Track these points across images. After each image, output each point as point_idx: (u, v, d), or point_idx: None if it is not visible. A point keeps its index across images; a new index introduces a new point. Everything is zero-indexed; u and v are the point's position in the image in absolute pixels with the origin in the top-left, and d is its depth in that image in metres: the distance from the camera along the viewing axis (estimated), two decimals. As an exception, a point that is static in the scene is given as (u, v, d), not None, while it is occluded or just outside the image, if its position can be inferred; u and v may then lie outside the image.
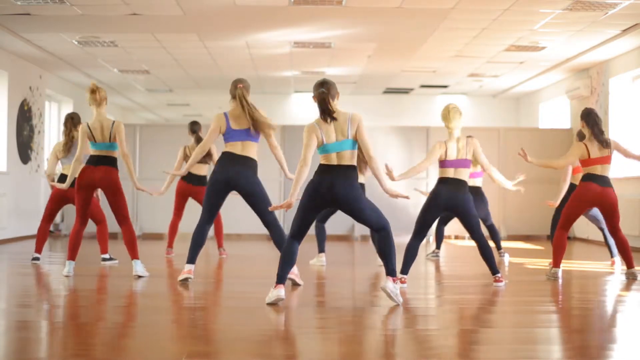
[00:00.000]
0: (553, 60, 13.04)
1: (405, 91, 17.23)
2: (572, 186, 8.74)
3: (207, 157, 9.47)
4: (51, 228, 13.80)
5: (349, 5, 9.53)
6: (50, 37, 11.34)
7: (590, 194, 7.52)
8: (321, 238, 9.06)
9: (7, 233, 12.08)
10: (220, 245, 9.85)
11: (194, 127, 9.67)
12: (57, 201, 8.62)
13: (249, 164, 6.86)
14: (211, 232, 12.89)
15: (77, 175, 7.50)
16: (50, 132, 14.84)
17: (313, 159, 5.85)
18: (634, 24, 10.25)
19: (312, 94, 5.94)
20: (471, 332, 5.08)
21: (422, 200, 13.66)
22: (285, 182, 13.52)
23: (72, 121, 8.65)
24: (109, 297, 6.63)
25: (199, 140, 9.52)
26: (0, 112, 12.23)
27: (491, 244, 10.23)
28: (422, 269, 8.74)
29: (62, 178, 8.54)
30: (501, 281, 7.10)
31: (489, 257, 7.10)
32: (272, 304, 5.85)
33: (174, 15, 10.03)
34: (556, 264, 7.65)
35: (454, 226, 13.71)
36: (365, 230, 12.84)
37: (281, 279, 5.87)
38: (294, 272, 6.91)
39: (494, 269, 7.12)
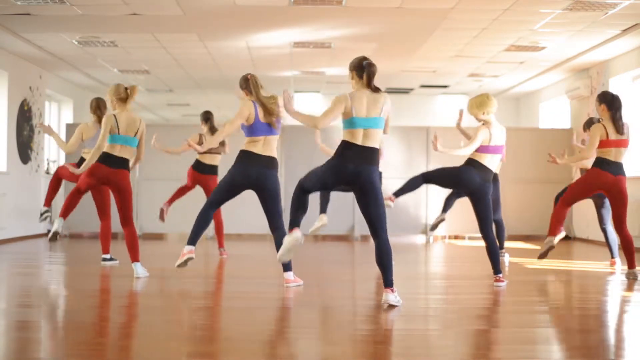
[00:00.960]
0: (553, 60, 13.04)
1: (405, 91, 17.23)
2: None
3: (220, 147, 9.47)
4: (51, 228, 13.80)
5: (349, 5, 9.53)
6: (50, 37, 11.34)
7: (601, 181, 7.53)
8: (325, 200, 9.02)
9: (7, 233, 12.08)
10: (220, 245, 9.85)
11: (207, 115, 9.67)
12: (93, 193, 8.37)
13: (273, 163, 6.78)
14: (212, 231, 12.99)
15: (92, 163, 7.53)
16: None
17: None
18: (634, 24, 10.25)
19: (349, 68, 5.82)
20: (471, 332, 5.08)
21: (423, 199, 13.68)
22: (286, 174, 13.50)
23: (97, 102, 8.61)
24: (109, 297, 6.63)
25: (212, 129, 9.56)
26: (0, 112, 12.23)
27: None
28: (422, 269, 8.75)
29: (83, 162, 8.54)
30: (502, 281, 7.10)
31: (495, 255, 7.10)
32: (288, 250, 5.85)
33: (174, 15, 10.03)
34: (552, 232, 7.64)
35: (454, 226, 13.72)
36: (365, 230, 12.82)
37: (296, 222, 5.85)
38: (291, 279, 6.89)
39: (496, 268, 7.13)
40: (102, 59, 13.00)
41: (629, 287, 7.19)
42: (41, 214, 8.90)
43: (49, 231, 13.68)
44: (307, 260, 9.12)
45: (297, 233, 5.83)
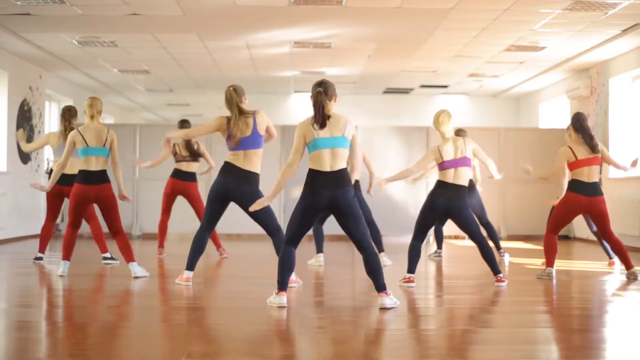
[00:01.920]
0: (553, 60, 13.04)
1: (405, 91, 17.23)
2: None
3: (197, 156, 9.56)
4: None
5: (349, 5, 9.53)
6: (50, 37, 11.34)
7: (577, 205, 7.61)
8: (319, 238, 9.06)
9: (7, 233, 12.08)
10: (218, 246, 9.84)
11: (184, 125, 9.69)
12: (53, 197, 8.58)
13: (251, 178, 6.74)
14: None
15: (56, 180, 7.64)
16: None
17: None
18: (634, 24, 10.25)
19: (310, 94, 5.88)
20: (471, 332, 5.08)
21: (423, 199, 13.67)
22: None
23: (69, 112, 8.63)
24: (108, 297, 6.63)
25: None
26: (0, 112, 12.23)
27: (490, 243, 10.22)
28: (422, 269, 8.74)
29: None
30: (503, 281, 7.12)
31: (489, 258, 7.14)
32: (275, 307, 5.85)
33: (174, 15, 10.03)
34: (549, 263, 7.69)
35: (454, 226, 13.70)
36: (365, 230, 12.78)
37: (283, 285, 5.85)
38: (292, 278, 6.89)
39: (495, 269, 7.15)
40: (102, 59, 12.99)
41: (628, 287, 7.19)
42: (35, 258, 8.86)
43: None
44: (306, 261, 9.11)
45: (283, 298, 5.80)
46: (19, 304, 6.21)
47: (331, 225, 10.46)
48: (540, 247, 11.95)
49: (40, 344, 4.67)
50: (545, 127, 15.64)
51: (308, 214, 5.78)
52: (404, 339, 4.88)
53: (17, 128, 12.55)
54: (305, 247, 11.33)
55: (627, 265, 7.67)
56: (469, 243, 12.97)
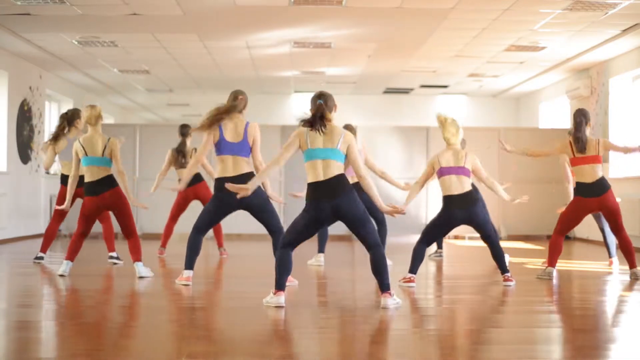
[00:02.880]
0: (553, 60, 13.04)
1: (405, 91, 17.22)
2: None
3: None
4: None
5: (349, 5, 9.53)
6: (50, 37, 11.34)
7: (587, 208, 7.58)
8: (323, 239, 9.07)
9: (7, 233, 12.08)
10: (220, 245, 9.84)
11: (184, 130, 9.65)
12: (62, 200, 8.52)
13: (247, 180, 6.67)
14: (210, 232, 12.97)
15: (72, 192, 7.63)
16: (50, 132, 14.82)
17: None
18: (634, 24, 10.25)
19: (309, 107, 5.86)
20: (471, 332, 5.08)
21: (422, 200, 13.68)
22: (285, 181, 13.51)
23: (66, 116, 8.72)
24: (110, 297, 6.63)
25: (183, 144, 9.56)
26: (0, 112, 12.23)
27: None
28: (422, 269, 8.73)
29: (64, 178, 8.54)
30: (511, 280, 7.15)
31: (499, 257, 7.17)
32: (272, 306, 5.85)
33: (174, 15, 10.03)
34: (551, 263, 7.68)
35: (454, 226, 13.72)
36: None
37: (280, 285, 5.84)
38: (289, 279, 6.89)
39: (503, 268, 7.19)
40: (102, 59, 12.99)
41: (629, 287, 7.19)
42: (36, 258, 8.85)
43: None
44: (307, 260, 9.11)
45: (281, 298, 5.79)
46: (19, 304, 6.21)
47: (331, 225, 10.45)
48: (540, 247, 11.96)
49: (40, 344, 4.67)
50: (545, 127, 15.65)
51: (311, 226, 5.79)
52: (404, 339, 4.88)
53: (17, 128, 12.55)
54: (305, 248, 11.33)
55: (631, 264, 7.65)
56: (469, 243, 12.97)
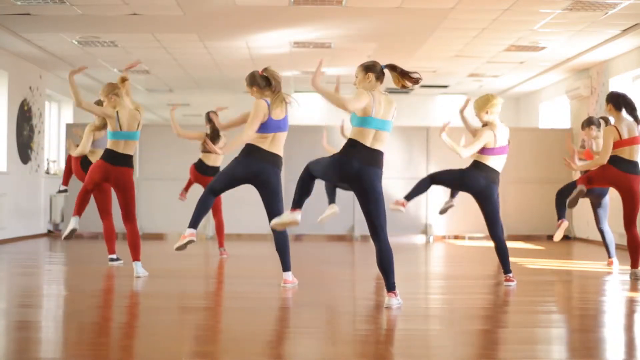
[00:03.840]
0: (553, 60, 13.04)
1: (405, 91, 17.23)
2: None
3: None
4: (51, 228, 13.82)
5: (349, 5, 9.53)
6: (50, 37, 11.34)
7: (615, 178, 7.54)
8: (332, 192, 9.13)
9: (7, 233, 12.08)
10: (221, 245, 9.85)
11: (210, 117, 9.80)
12: (95, 194, 8.46)
13: (277, 161, 6.71)
14: (212, 231, 12.99)
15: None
16: (50, 132, 14.85)
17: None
18: (634, 24, 10.25)
19: (364, 69, 5.75)
20: (471, 332, 5.08)
21: (423, 199, 13.66)
22: (286, 175, 13.51)
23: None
24: (109, 297, 6.63)
25: (214, 130, 9.56)
26: (0, 112, 12.23)
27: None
28: (422, 269, 8.75)
29: (87, 162, 8.70)
30: (512, 280, 7.13)
31: (504, 255, 7.13)
32: (284, 224, 5.88)
33: (174, 15, 10.03)
34: (581, 181, 7.76)
35: (454, 226, 13.72)
36: (365, 230, 12.82)
37: (298, 203, 5.81)
38: (288, 279, 6.89)
39: (506, 268, 7.17)
40: (102, 59, 13.00)
41: (630, 287, 7.19)
42: (59, 191, 9.33)
43: (49, 231, 13.68)
44: (307, 260, 9.12)
45: (297, 215, 5.80)
46: (19, 304, 6.21)
47: (331, 225, 10.52)
48: (540, 247, 11.96)
49: (40, 344, 4.67)
50: (545, 127, 15.65)
51: (332, 167, 5.67)
52: (405, 339, 4.88)
53: (17, 128, 12.56)
54: (306, 247, 11.34)
55: (634, 264, 7.60)
56: (469, 243, 12.98)
